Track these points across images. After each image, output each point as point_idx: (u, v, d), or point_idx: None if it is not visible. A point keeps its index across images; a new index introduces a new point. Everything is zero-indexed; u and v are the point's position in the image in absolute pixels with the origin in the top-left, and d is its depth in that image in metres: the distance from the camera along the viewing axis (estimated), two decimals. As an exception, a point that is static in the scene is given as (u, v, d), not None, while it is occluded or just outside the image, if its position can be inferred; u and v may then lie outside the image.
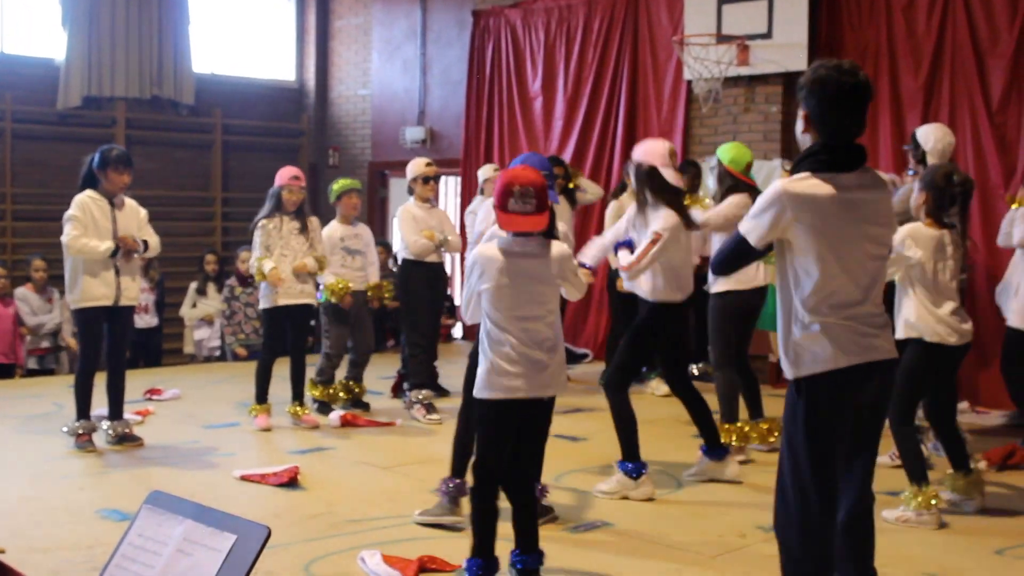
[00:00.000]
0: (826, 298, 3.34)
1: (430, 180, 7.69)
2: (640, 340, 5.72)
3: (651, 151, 5.66)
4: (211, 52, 12.88)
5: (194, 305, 10.80)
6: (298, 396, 7.38)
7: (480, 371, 4.18)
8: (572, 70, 10.78)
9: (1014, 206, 6.88)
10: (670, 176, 5.58)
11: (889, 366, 3.46)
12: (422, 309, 7.64)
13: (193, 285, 10.83)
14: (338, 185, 7.88)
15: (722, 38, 9.18)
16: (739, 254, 3.56)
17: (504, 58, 11.40)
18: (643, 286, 5.65)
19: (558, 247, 4.23)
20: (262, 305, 7.33)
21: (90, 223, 6.35)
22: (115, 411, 6.66)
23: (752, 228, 3.42)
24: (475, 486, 4.23)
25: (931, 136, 6.25)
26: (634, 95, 10.32)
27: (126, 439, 6.63)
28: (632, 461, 5.55)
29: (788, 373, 3.42)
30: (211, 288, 10.78)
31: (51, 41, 11.56)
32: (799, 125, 3.47)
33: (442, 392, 8.22)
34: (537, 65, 11.10)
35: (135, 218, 6.58)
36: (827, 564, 3.36)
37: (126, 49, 11.77)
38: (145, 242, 6.56)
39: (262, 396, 7.27)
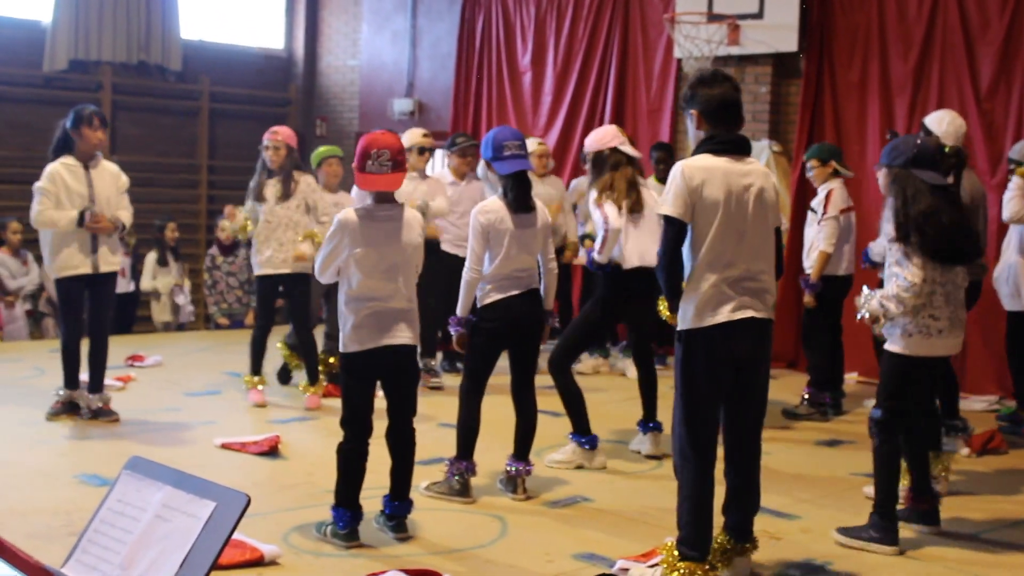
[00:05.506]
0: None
1: (425, 151, 7.69)
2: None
3: (602, 136, 5.84)
4: (199, 18, 12.76)
5: (154, 277, 10.51)
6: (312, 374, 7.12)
7: (347, 327, 4.40)
8: (562, 45, 10.74)
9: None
10: (630, 150, 5.83)
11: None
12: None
13: (152, 256, 10.51)
14: (317, 153, 7.67)
15: (713, 17, 9.17)
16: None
17: (494, 32, 11.35)
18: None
19: (411, 211, 4.53)
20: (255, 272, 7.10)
21: (62, 193, 6.20)
22: (95, 384, 6.51)
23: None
24: (354, 439, 4.44)
25: (943, 120, 6.12)
26: (623, 72, 10.29)
27: (101, 414, 6.43)
28: (584, 435, 5.73)
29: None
30: (171, 258, 10.56)
31: (38, 3, 11.44)
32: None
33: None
34: (527, 40, 11.06)
35: (114, 182, 6.39)
36: None
37: (114, 13, 11.66)
38: (123, 225, 6.39)
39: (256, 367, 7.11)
